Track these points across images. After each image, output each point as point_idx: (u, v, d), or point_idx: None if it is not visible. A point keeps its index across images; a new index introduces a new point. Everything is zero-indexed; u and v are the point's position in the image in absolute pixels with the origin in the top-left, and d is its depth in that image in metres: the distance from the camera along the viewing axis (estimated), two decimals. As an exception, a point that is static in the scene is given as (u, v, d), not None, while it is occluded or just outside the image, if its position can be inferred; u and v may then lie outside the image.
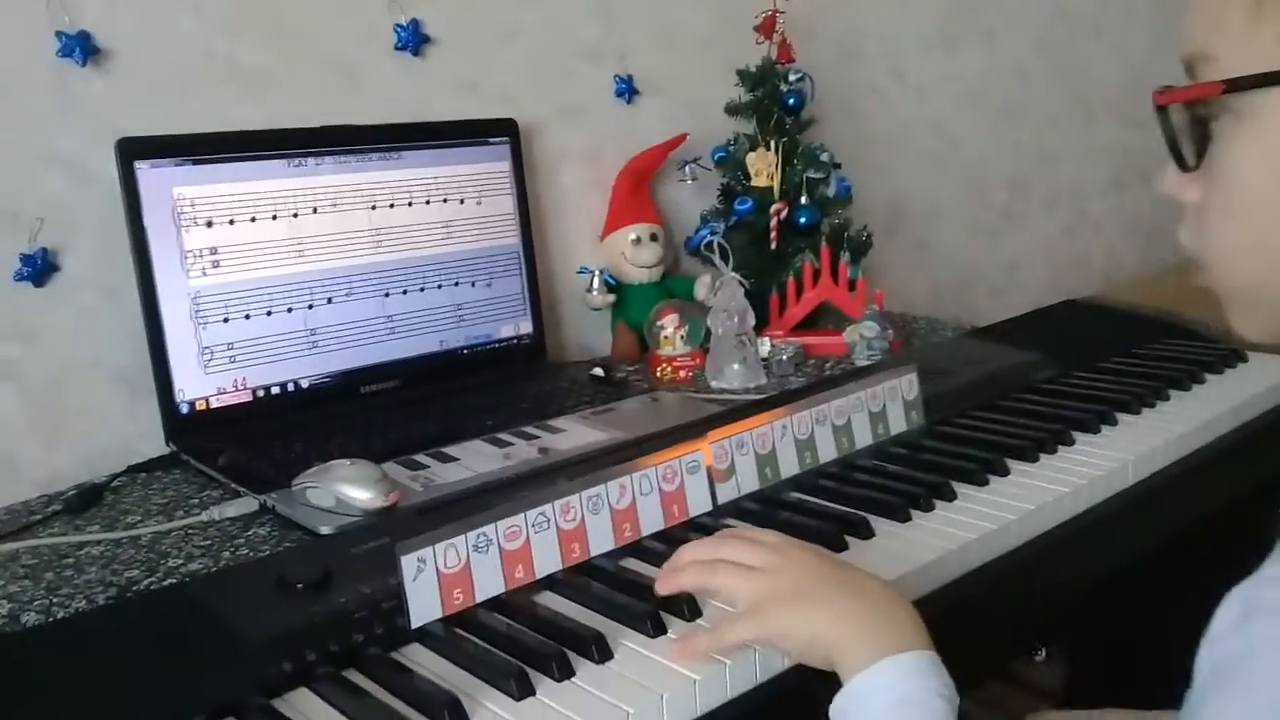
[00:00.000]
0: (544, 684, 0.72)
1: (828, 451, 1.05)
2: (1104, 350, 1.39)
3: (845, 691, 0.68)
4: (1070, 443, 1.11)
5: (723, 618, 0.76)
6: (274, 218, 1.26)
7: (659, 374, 1.46)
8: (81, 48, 1.20)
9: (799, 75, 1.63)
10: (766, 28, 1.62)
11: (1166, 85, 0.60)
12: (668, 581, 0.79)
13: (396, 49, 1.44)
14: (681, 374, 1.45)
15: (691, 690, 0.72)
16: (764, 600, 0.74)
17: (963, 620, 0.88)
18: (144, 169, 1.18)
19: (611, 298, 1.59)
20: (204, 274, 1.21)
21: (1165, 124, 0.60)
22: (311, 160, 1.29)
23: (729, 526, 0.93)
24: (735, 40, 1.67)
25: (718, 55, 1.72)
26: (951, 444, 1.10)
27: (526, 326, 1.48)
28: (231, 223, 1.24)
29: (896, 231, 2.09)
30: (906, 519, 0.95)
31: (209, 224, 1.22)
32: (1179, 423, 1.15)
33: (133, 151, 1.17)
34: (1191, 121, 0.58)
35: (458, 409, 1.30)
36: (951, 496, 0.99)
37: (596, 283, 1.57)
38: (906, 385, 1.12)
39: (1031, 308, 1.78)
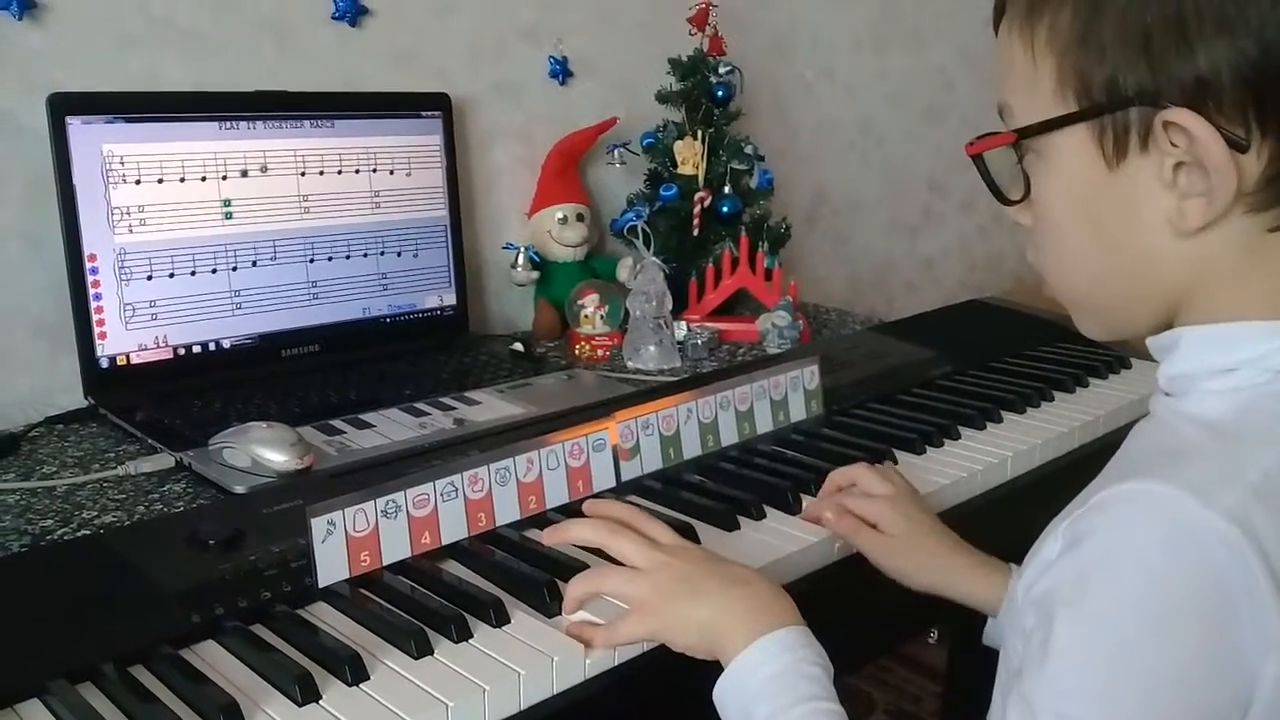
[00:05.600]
0: (442, 644, 0.76)
1: (729, 436, 1.10)
2: (1000, 350, 1.44)
3: (725, 675, 0.73)
4: (956, 437, 1.17)
5: (615, 614, 0.79)
6: (203, 179, 1.28)
7: (578, 352, 1.50)
8: (19, 1, 1.21)
9: (729, 68, 1.67)
10: (699, 20, 1.66)
11: (979, 135, 0.68)
12: (569, 605, 0.81)
13: (334, 18, 1.45)
14: (599, 353, 1.49)
15: (580, 656, 0.77)
16: (651, 599, 0.78)
17: (842, 598, 0.94)
18: (75, 124, 1.19)
19: (535, 274, 1.62)
20: (130, 231, 1.23)
21: (981, 168, 0.68)
22: (243, 124, 1.31)
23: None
24: (671, 28, 1.70)
25: (653, 42, 1.75)
26: (846, 433, 1.16)
27: (450, 298, 1.51)
28: (160, 181, 1.25)
29: (818, 224, 2.15)
30: (797, 503, 1.00)
31: (137, 182, 1.23)
32: (1059, 423, 1.22)
33: (64, 106, 1.18)
34: (1018, 160, 0.67)
35: (377, 377, 1.33)
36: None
37: (521, 259, 1.60)
38: (808, 375, 1.17)
39: (945, 304, 1.84)
